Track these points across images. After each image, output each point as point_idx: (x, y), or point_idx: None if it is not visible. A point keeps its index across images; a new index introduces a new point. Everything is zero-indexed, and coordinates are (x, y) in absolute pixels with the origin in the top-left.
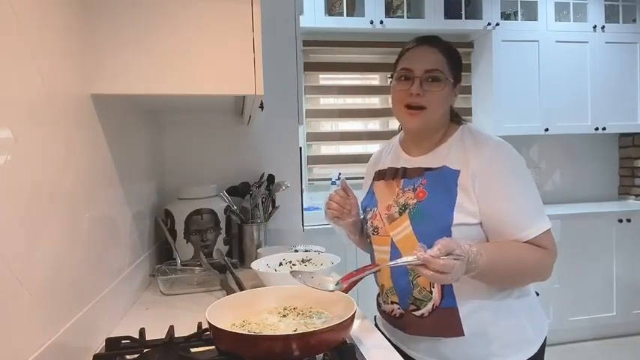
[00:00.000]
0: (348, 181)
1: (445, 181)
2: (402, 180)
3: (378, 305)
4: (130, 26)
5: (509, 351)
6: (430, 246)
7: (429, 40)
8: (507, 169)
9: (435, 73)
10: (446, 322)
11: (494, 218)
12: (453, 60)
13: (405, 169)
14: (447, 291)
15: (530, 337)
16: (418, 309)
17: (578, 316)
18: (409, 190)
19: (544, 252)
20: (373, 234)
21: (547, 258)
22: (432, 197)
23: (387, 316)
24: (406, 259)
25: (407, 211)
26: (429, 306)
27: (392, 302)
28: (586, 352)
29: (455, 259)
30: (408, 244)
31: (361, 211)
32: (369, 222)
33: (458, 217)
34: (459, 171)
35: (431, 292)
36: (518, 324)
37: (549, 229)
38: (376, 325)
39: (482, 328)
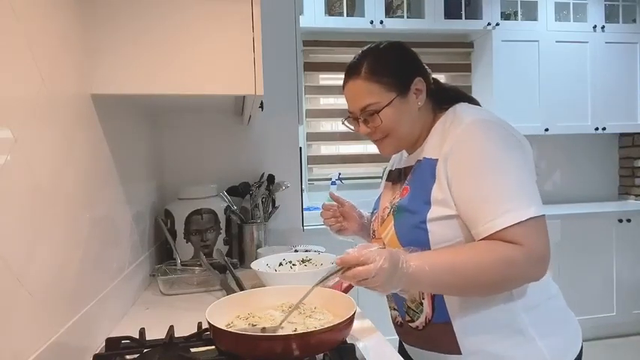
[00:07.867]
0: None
1: (424, 174)
2: (404, 180)
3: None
4: (129, 26)
5: None
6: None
7: (350, 72)
8: (479, 149)
9: (368, 110)
10: (441, 338)
11: (463, 206)
12: (384, 70)
13: (404, 168)
14: (438, 303)
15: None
16: (412, 320)
17: (578, 316)
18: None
19: (512, 249)
20: (372, 237)
21: (516, 256)
22: (411, 193)
23: (393, 322)
24: (329, 269)
25: (392, 210)
26: (422, 319)
27: (393, 309)
28: (586, 352)
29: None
30: (392, 245)
31: (365, 213)
32: (372, 225)
33: (433, 211)
34: (436, 160)
35: (422, 304)
36: (527, 343)
37: (529, 221)
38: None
39: (481, 346)
